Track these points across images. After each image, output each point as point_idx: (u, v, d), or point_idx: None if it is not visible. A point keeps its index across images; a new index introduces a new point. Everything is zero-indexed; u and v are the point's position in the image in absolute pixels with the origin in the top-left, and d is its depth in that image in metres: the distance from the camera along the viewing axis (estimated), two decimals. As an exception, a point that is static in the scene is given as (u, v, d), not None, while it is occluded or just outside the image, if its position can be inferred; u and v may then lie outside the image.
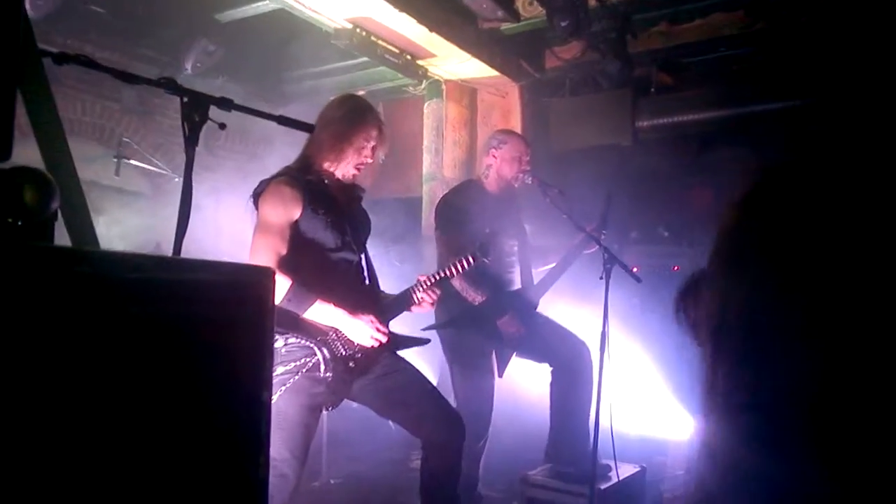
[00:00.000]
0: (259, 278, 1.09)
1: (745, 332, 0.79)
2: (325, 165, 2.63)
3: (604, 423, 3.03)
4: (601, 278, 3.14)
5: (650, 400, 4.51)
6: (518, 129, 5.17)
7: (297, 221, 2.51)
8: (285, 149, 5.09)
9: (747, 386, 0.78)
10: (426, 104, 5.34)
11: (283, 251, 2.48)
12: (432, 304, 2.71)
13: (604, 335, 3.10)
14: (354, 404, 2.66)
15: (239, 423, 1.06)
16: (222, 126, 1.98)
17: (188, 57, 4.97)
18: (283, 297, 2.40)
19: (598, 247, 3.27)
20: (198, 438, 1.01)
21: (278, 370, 2.38)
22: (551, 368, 3.49)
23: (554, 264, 3.69)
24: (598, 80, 4.97)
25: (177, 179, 4.76)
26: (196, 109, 1.92)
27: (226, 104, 1.98)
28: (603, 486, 3.19)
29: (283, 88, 5.94)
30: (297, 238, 2.51)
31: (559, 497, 3.31)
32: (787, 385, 0.76)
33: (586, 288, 3.60)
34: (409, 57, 4.83)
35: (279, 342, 2.41)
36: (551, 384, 3.49)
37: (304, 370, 2.42)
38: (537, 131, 5.35)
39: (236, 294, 1.06)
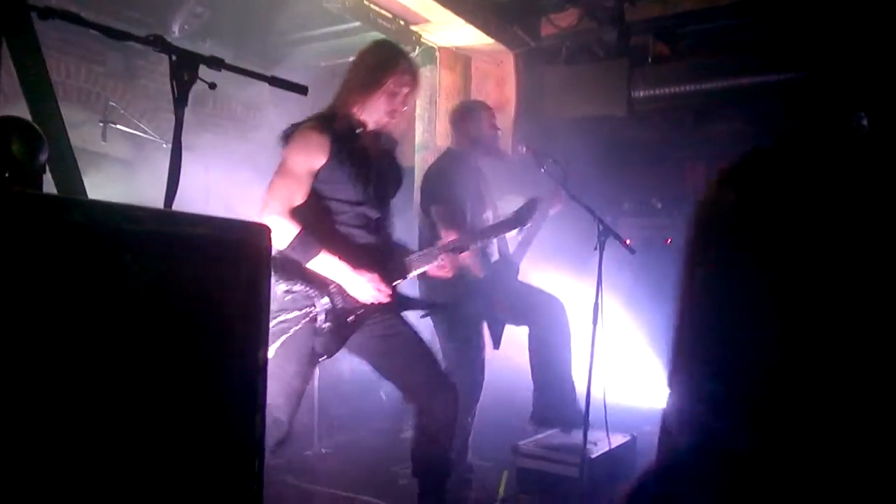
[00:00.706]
0: (256, 236, 1.05)
1: (708, 303, 0.81)
2: (357, 112, 2.57)
3: (595, 393, 3.03)
4: (595, 249, 3.13)
5: (640, 370, 4.53)
6: (512, 98, 5.13)
7: (319, 170, 2.49)
8: (273, 115, 5.03)
9: (706, 356, 0.80)
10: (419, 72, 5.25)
11: (298, 199, 2.47)
12: (450, 271, 2.72)
13: (597, 306, 3.09)
14: (346, 374, 2.65)
15: (235, 382, 1.04)
16: (212, 85, 1.91)
17: (175, 19, 4.86)
18: (289, 244, 2.41)
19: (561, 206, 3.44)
20: (192, 397, 0.99)
21: (280, 317, 2.39)
22: (529, 330, 3.48)
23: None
24: (594, 48, 4.90)
25: (165, 145, 4.67)
26: (185, 68, 1.86)
27: (216, 63, 1.92)
28: (593, 455, 3.20)
29: (274, 53, 5.82)
30: (317, 187, 2.50)
31: (550, 466, 3.33)
32: (743, 360, 0.77)
33: (580, 259, 3.59)
34: (402, 22, 4.74)
35: (282, 287, 2.42)
36: (530, 345, 3.48)
37: (304, 319, 2.42)
38: (532, 100, 5.28)
39: (232, 251, 1.02)
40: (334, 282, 2.47)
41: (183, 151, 1.83)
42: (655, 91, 4.83)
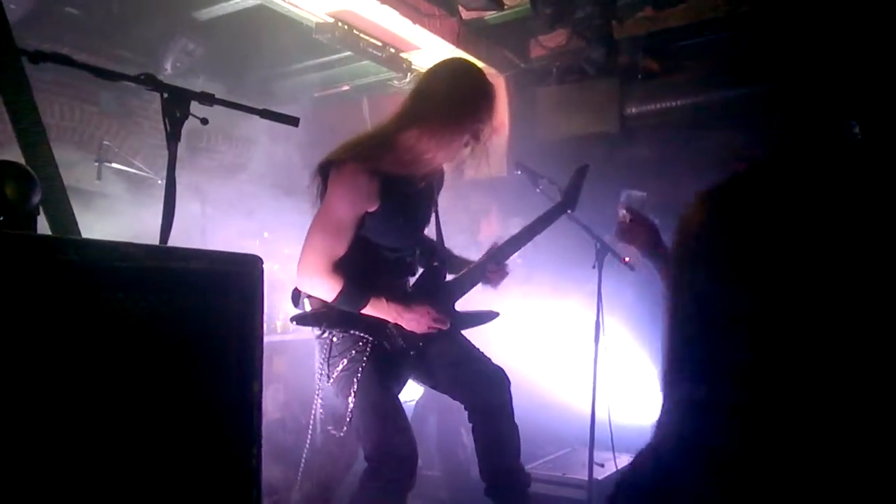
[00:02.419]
0: (247, 267, 1.06)
1: (694, 315, 0.84)
2: (420, 146, 2.23)
3: (600, 413, 3.00)
4: (594, 267, 3.12)
5: (645, 388, 4.50)
6: (505, 120, 5.16)
7: (365, 216, 2.23)
8: (270, 148, 5.06)
9: (691, 366, 0.84)
10: (411, 98, 5.29)
11: (342, 251, 2.21)
12: (500, 281, 2.54)
13: (598, 325, 3.08)
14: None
15: (230, 414, 1.04)
16: (204, 121, 1.93)
17: (167, 56, 4.89)
18: (334, 299, 2.20)
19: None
20: (188, 429, 0.99)
21: (341, 364, 2.23)
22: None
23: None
24: (584, 67, 4.94)
25: (160, 182, 4.68)
26: (177, 105, 1.89)
27: (207, 99, 1.94)
28: (601, 477, 3.17)
29: (267, 86, 5.87)
30: (359, 232, 2.25)
31: (558, 490, 3.30)
32: (726, 369, 0.80)
33: (580, 278, 3.58)
34: (392, 50, 4.78)
35: (336, 337, 2.26)
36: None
37: (365, 357, 2.24)
38: (524, 121, 5.32)
39: (224, 283, 1.04)
40: (390, 321, 2.29)
41: (178, 186, 1.83)
42: (647, 107, 4.86)
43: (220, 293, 1.01)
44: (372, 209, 2.23)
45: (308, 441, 2.55)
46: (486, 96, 2.28)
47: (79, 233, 1.26)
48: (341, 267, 2.21)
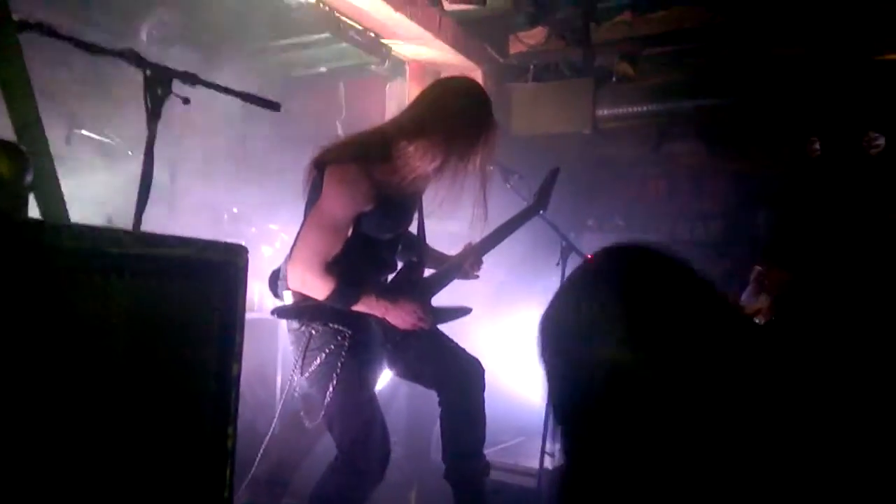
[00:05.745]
0: (232, 257, 1.10)
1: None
2: (413, 164, 2.25)
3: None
4: (557, 265, 3.21)
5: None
6: (480, 114, 5.21)
7: (360, 216, 2.27)
8: (242, 123, 5.03)
9: None
10: (388, 85, 5.30)
11: (336, 250, 2.23)
12: (478, 271, 2.69)
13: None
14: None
15: (209, 394, 1.09)
16: (186, 101, 1.95)
17: (143, 25, 4.82)
18: (326, 297, 2.22)
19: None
20: (167, 408, 1.04)
21: (319, 358, 2.25)
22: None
23: None
24: (560, 67, 5.02)
25: (129, 153, 4.62)
26: (159, 83, 1.90)
27: (189, 78, 1.95)
28: (551, 466, 3.27)
29: (244, 62, 5.81)
30: (351, 230, 2.29)
31: (510, 477, 3.39)
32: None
33: (543, 274, 3.66)
34: (372, 35, 4.78)
35: (315, 330, 2.27)
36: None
37: (344, 351, 2.26)
38: (499, 116, 5.35)
39: (210, 270, 1.08)
40: (374, 315, 2.33)
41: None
42: (619, 110, 4.96)
43: (206, 279, 1.06)
44: (365, 210, 2.26)
45: (274, 423, 2.61)
46: (490, 127, 2.34)
47: (66, 212, 1.29)
48: (335, 267, 2.23)
